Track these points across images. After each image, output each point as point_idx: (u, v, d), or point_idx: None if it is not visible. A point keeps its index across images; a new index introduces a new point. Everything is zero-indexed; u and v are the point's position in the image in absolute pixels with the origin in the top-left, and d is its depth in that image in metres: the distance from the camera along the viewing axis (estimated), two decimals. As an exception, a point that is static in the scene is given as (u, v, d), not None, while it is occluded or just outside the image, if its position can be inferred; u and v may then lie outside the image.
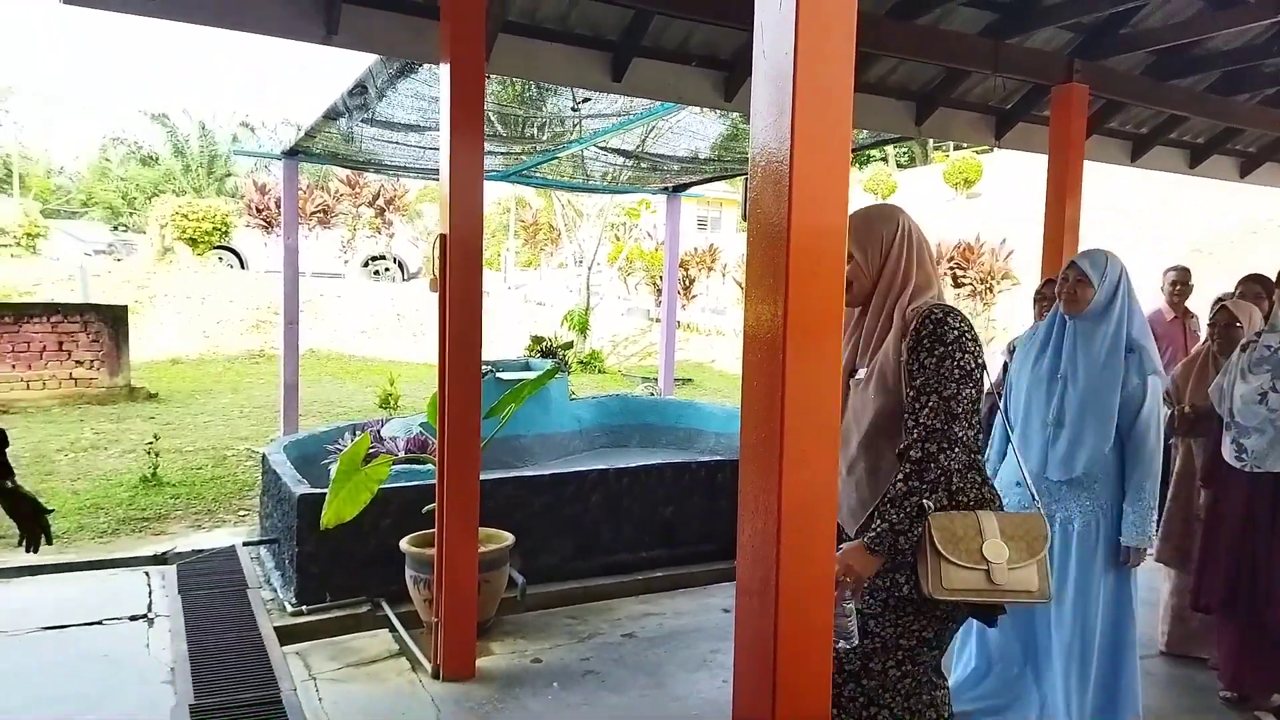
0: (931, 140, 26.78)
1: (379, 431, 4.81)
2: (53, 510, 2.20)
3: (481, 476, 3.45)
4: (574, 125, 5.58)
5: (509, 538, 4.04)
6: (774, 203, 1.51)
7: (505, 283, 24.02)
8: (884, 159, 33.24)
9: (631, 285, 21.23)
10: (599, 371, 14.23)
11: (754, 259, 1.56)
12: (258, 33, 3.61)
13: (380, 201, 21.24)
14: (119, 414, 8.99)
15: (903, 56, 4.65)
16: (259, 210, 19.43)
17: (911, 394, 1.89)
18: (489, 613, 3.93)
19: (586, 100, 4.83)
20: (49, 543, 2.15)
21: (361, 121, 5.20)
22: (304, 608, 3.98)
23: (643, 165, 7.06)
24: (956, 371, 1.86)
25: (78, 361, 9.56)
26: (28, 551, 2.12)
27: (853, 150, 6.73)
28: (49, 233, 19.78)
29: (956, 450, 1.86)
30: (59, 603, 4.11)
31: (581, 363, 14.24)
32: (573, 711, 3.28)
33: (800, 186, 1.48)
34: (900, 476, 1.87)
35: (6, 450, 2.09)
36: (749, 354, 1.58)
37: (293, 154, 6.69)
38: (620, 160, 6.98)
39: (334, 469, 3.74)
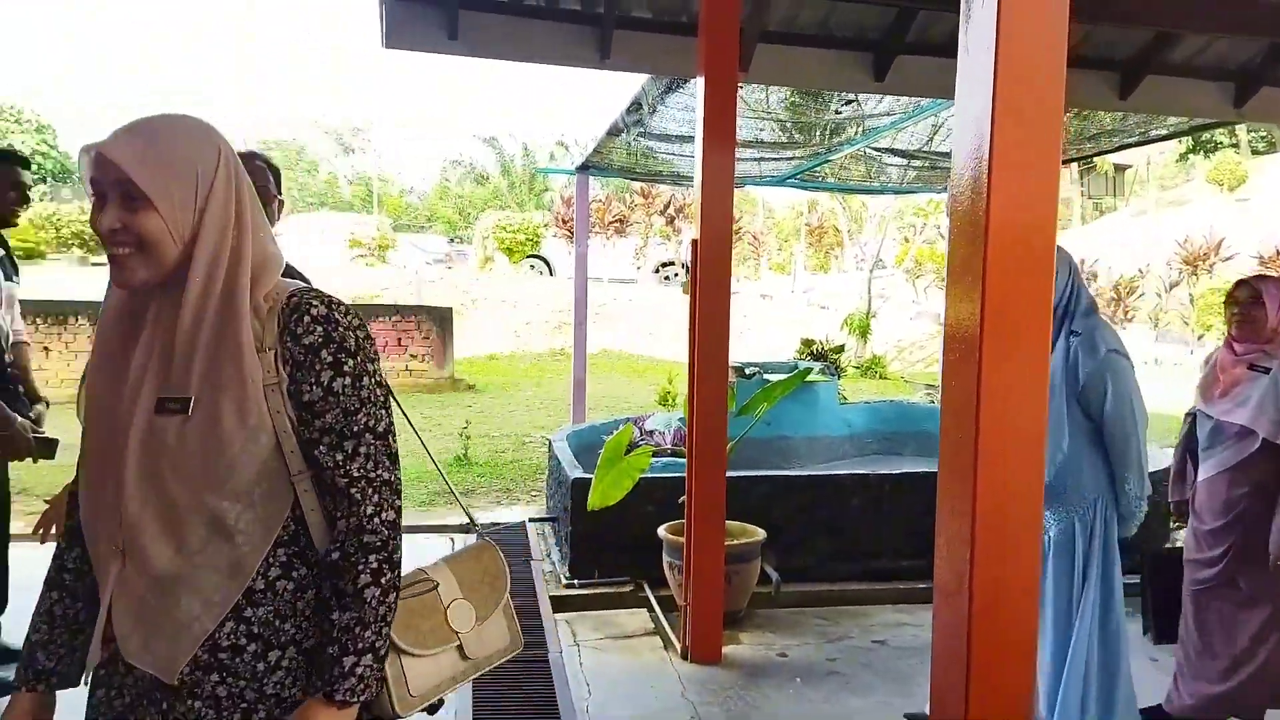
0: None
1: (643, 424, 5.13)
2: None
3: (738, 473, 3.60)
4: (856, 124, 5.57)
5: (760, 533, 4.15)
6: (972, 197, 1.50)
7: (792, 286, 24.11)
8: (1235, 145, 28.96)
9: (921, 288, 20.38)
10: (880, 377, 13.87)
11: (954, 256, 1.56)
12: (544, 62, 4.04)
13: (671, 210, 22.24)
14: (443, 401, 10.30)
15: (1216, 34, 4.14)
16: (564, 222, 21.18)
17: (314, 434, 1.21)
18: (740, 604, 4.07)
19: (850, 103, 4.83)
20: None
21: (638, 135, 5.57)
22: (575, 581, 4.37)
23: (923, 164, 6.85)
24: (379, 392, 1.26)
25: (412, 355, 11.10)
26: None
27: (1158, 139, 6.05)
28: (397, 245, 22.96)
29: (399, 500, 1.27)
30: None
31: (861, 368, 13.96)
32: (812, 708, 3.32)
33: (1000, 180, 1.46)
34: (368, 580, 1.20)
35: None
36: (948, 353, 1.58)
37: (584, 169, 7.30)
38: (902, 160, 6.83)
39: (600, 455, 4.08)
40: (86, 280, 14.26)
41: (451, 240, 31.07)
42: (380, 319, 11.04)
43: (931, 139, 6.10)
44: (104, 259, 1.21)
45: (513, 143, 33.05)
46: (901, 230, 22.30)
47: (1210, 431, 3.02)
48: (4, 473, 3.25)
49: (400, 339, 11.06)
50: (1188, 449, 3.19)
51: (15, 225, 3.24)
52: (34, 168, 22.65)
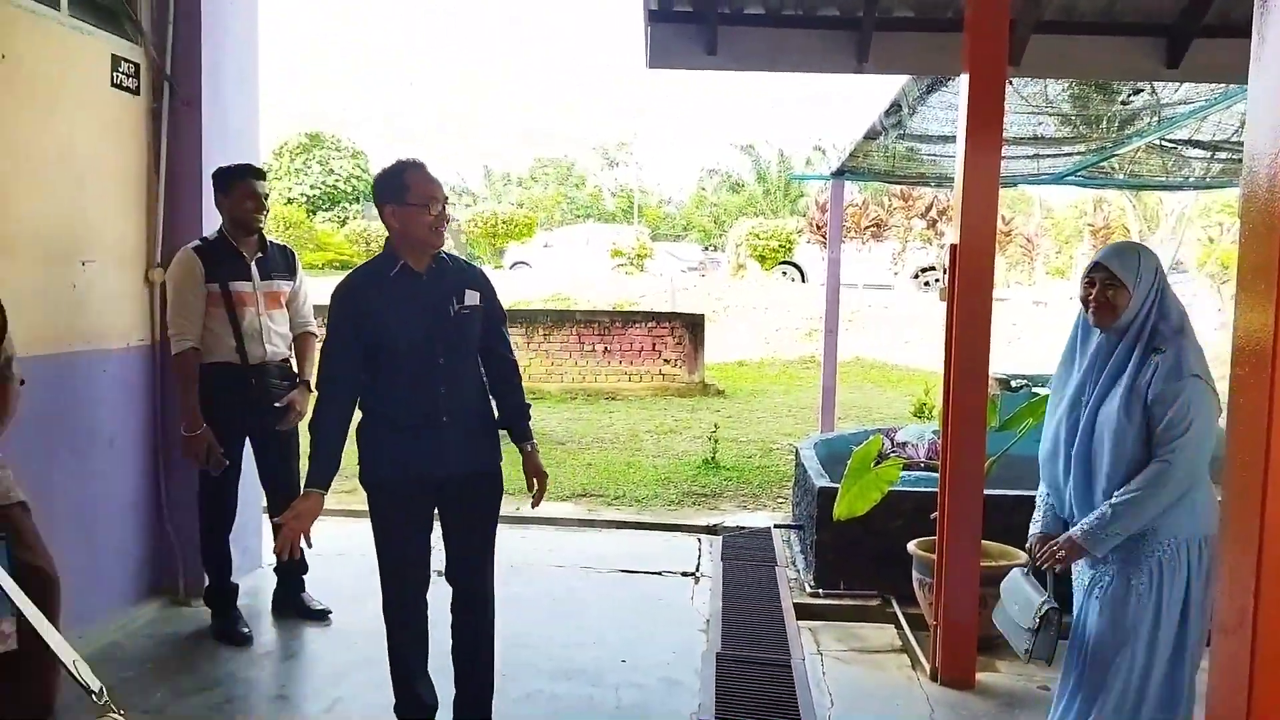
0: None
1: (894, 435, 4.98)
2: None
3: (999, 492, 3.41)
4: (1150, 114, 5.08)
5: (1021, 556, 3.89)
6: (1269, 193, 1.35)
7: (1071, 292, 22.16)
8: None
9: (1226, 295, 17.96)
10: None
11: (1245, 259, 1.41)
12: (800, 70, 4.07)
13: (933, 213, 21.26)
14: (693, 405, 10.57)
15: None
16: (818, 227, 20.92)
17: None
18: (997, 629, 3.83)
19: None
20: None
21: (897, 138, 5.43)
22: (820, 590, 4.34)
23: (1229, 156, 6.08)
24: None
25: (665, 360, 11.49)
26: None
27: None
28: (654, 254, 23.82)
29: None
30: (633, 552, 5.09)
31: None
32: (1076, 748, 3.07)
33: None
34: None
35: None
36: (1236, 368, 1.43)
37: (839, 174, 7.21)
38: (1205, 152, 6.11)
39: (848, 465, 4.03)
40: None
41: (706, 248, 31.71)
42: (637, 325, 11.55)
43: (1241, 128, 5.41)
44: None
45: (769, 149, 33.20)
46: (1206, 229, 19.81)
47: None
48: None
49: (654, 344, 11.49)
50: None
51: (260, 230, 3.66)
52: (349, 190, 25.81)
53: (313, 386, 3.74)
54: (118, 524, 3.75)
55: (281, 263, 3.76)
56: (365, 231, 22.12)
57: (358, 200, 30.11)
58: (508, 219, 26.67)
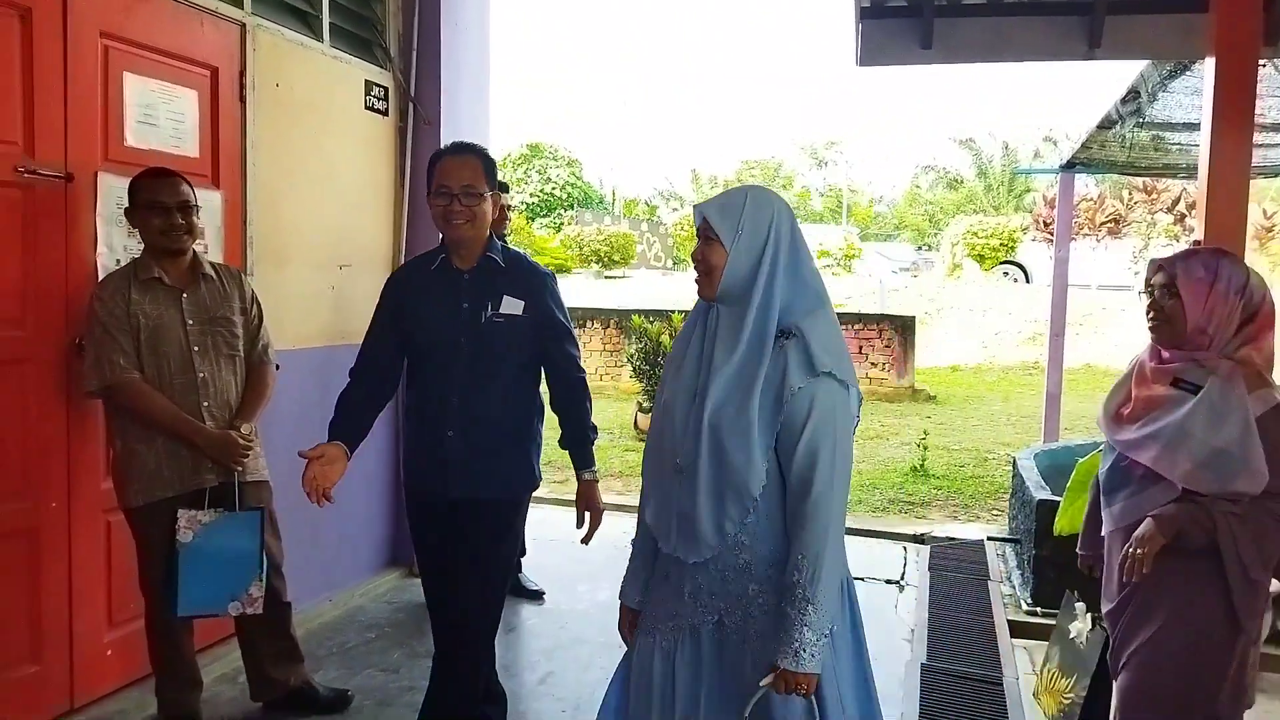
0: None
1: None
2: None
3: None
4: None
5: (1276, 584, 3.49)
6: None
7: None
8: None
9: None
10: None
11: None
12: (1023, 60, 3.87)
13: (1181, 206, 19.27)
14: (901, 411, 10.23)
15: None
16: (1046, 224, 19.53)
17: None
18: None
19: None
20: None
21: (1135, 126, 5.01)
22: (1037, 609, 4.10)
23: None
24: None
25: (873, 364, 11.19)
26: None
27: None
28: (863, 254, 23.22)
29: None
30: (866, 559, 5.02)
31: None
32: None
33: None
34: None
35: None
36: None
37: (1070, 166, 6.73)
38: None
39: (1071, 477, 3.78)
40: (601, 290, 16.79)
41: (919, 248, 30.47)
42: (843, 326, 11.34)
43: None
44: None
45: (992, 143, 31.41)
46: None
47: (1112, 468, 2.21)
48: None
49: (861, 347, 11.22)
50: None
51: (505, 239, 3.86)
52: (564, 197, 27.13)
53: None
54: (362, 501, 4.19)
55: None
56: (579, 236, 23.10)
57: (571, 206, 31.49)
58: (715, 221, 26.86)
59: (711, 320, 1.78)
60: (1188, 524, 2.00)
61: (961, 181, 33.77)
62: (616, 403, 11.09)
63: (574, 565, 4.48)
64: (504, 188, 4.04)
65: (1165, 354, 2.15)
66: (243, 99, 3.40)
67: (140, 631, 2.80)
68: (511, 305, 2.38)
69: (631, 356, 9.22)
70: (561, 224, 28.86)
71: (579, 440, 2.54)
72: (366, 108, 4.16)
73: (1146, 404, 2.13)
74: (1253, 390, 1.99)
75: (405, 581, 4.28)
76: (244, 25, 3.39)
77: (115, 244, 2.91)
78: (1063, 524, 3.73)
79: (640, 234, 26.10)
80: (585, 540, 2.56)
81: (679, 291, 15.93)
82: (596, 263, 22.16)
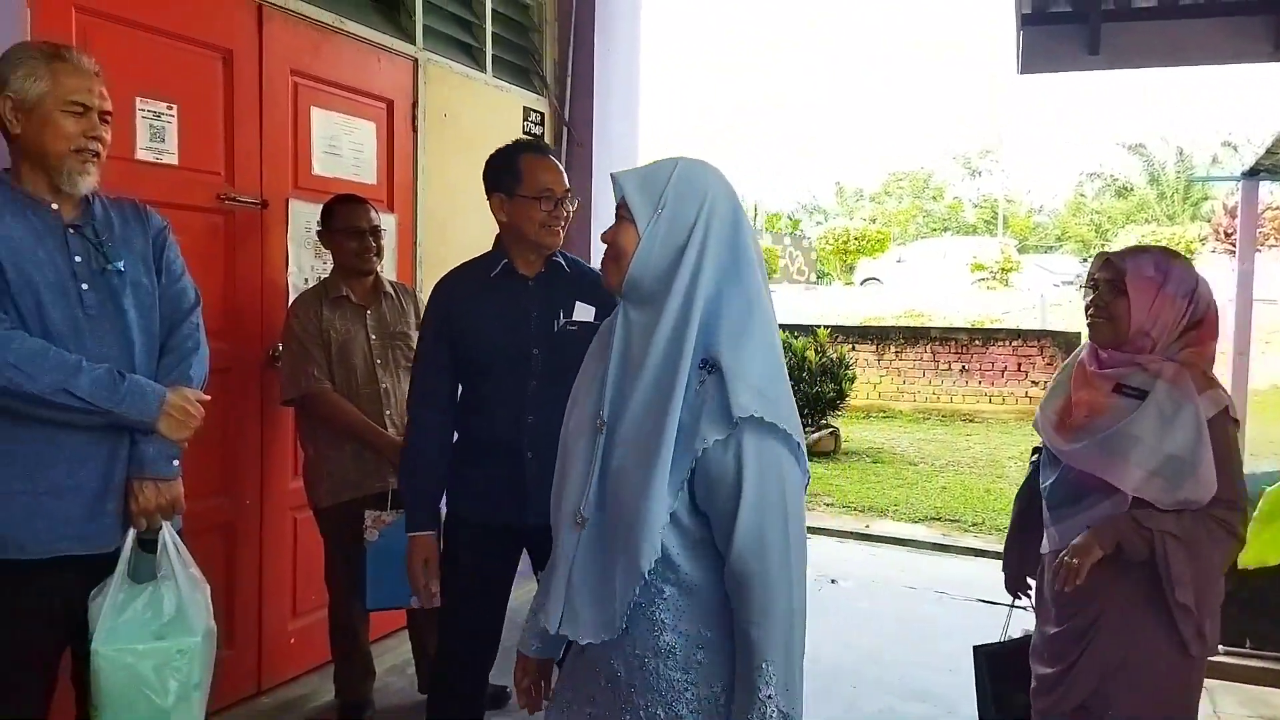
0: None
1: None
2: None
3: None
4: None
5: None
6: None
7: None
8: None
9: None
10: None
11: None
12: (1200, 64, 3.64)
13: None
14: (1063, 433, 9.67)
15: None
16: (1227, 235, 18.04)
17: None
18: None
19: None
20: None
21: (1336, 127, 4.58)
22: (1219, 648, 3.80)
23: None
24: None
25: (1033, 382, 10.65)
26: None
27: None
28: (1021, 267, 22.12)
29: None
30: (991, 582, 4.81)
31: None
32: None
33: None
34: None
35: None
36: None
37: (1253, 174, 6.22)
38: None
39: (1259, 507, 3.49)
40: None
41: (1084, 260, 28.78)
42: (999, 343, 10.85)
43: None
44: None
45: (1165, 148, 29.32)
46: None
47: (1059, 481, 2.03)
48: None
49: (1020, 364, 10.71)
50: (1031, 499, 2.23)
51: None
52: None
53: None
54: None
55: None
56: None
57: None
58: (859, 234, 26.37)
59: (620, 328, 1.40)
60: (1128, 534, 1.87)
61: (1131, 189, 31.65)
62: (759, 418, 11.05)
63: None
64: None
65: (1104, 355, 2.02)
66: (414, 128, 3.64)
67: (321, 622, 3.03)
68: (583, 311, 2.20)
69: (775, 372, 9.15)
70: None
71: None
72: (524, 132, 4.35)
73: (1089, 410, 1.99)
74: (1202, 391, 1.87)
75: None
76: (416, 60, 3.64)
77: (303, 264, 3.18)
78: (1249, 557, 3.45)
79: (783, 248, 25.88)
80: None
81: (823, 306, 15.69)
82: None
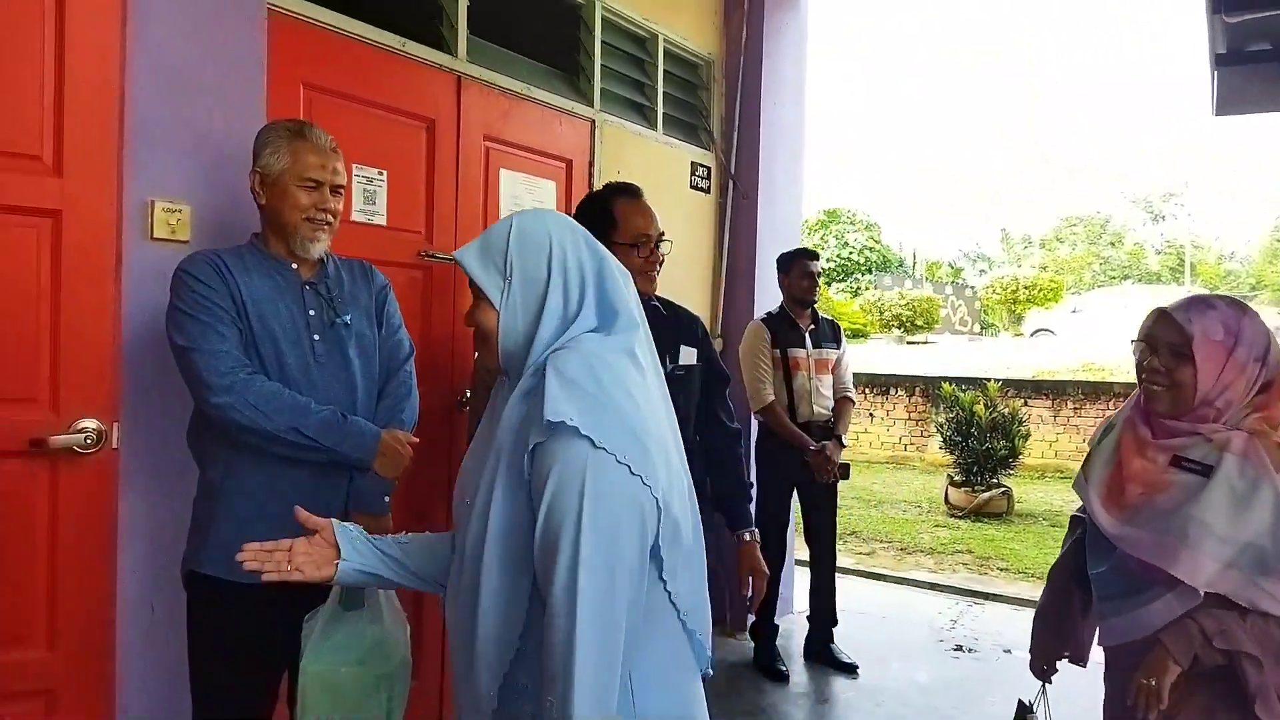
0: None
1: None
2: None
3: None
4: None
5: None
6: None
7: None
8: None
9: None
10: None
11: None
12: None
13: None
14: None
15: None
16: None
17: None
18: None
19: None
20: None
21: None
22: None
23: None
24: None
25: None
26: None
27: None
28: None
29: None
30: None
31: None
32: None
33: None
34: None
35: None
36: None
37: None
38: None
39: None
40: (904, 356, 16.29)
41: (1285, 310, 26.23)
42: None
43: None
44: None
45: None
46: None
47: (1113, 569, 1.73)
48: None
49: (1217, 422, 9.85)
50: (1075, 574, 1.90)
51: (813, 304, 4.14)
52: (862, 261, 26.80)
53: (844, 441, 4.05)
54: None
55: (830, 334, 4.22)
56: (879, 301, 22.63)
57: (869, 270, 31.01)
58: (1029, 284, 25.15)
59: (500, 398, 1.33)
60: (1205, 647, 1.61)
61: (1338, 233, 28.81)
62: (922, 475, 10.64)
63: (887, 640, 4.34)
64: (812, 255, 4.18)
65: (1157, 424, 1.76)
66: (590, 185, 3.81)
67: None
68: (688, 355, 2.20)
69: (941, 426, 8.82)
70: (859, 288, 28.51)
71: (741, 494, 2.33)
72: (691, 186, 4.47)
73: (1145, 485, 1.72)
74: (1278, 465, 1.60)
75: (718, 640, 4.37)
76: (593, 121, 3.82)
77: (488, 315, 3.37)
78: None
79: (944, 297, 25.04)
80: (752, 608, 2.33)
81: (989, 358, 15.02)
82: (898, 327, 21.54)
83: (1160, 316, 1.76)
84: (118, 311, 2.10)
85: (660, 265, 2.16)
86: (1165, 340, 1.73)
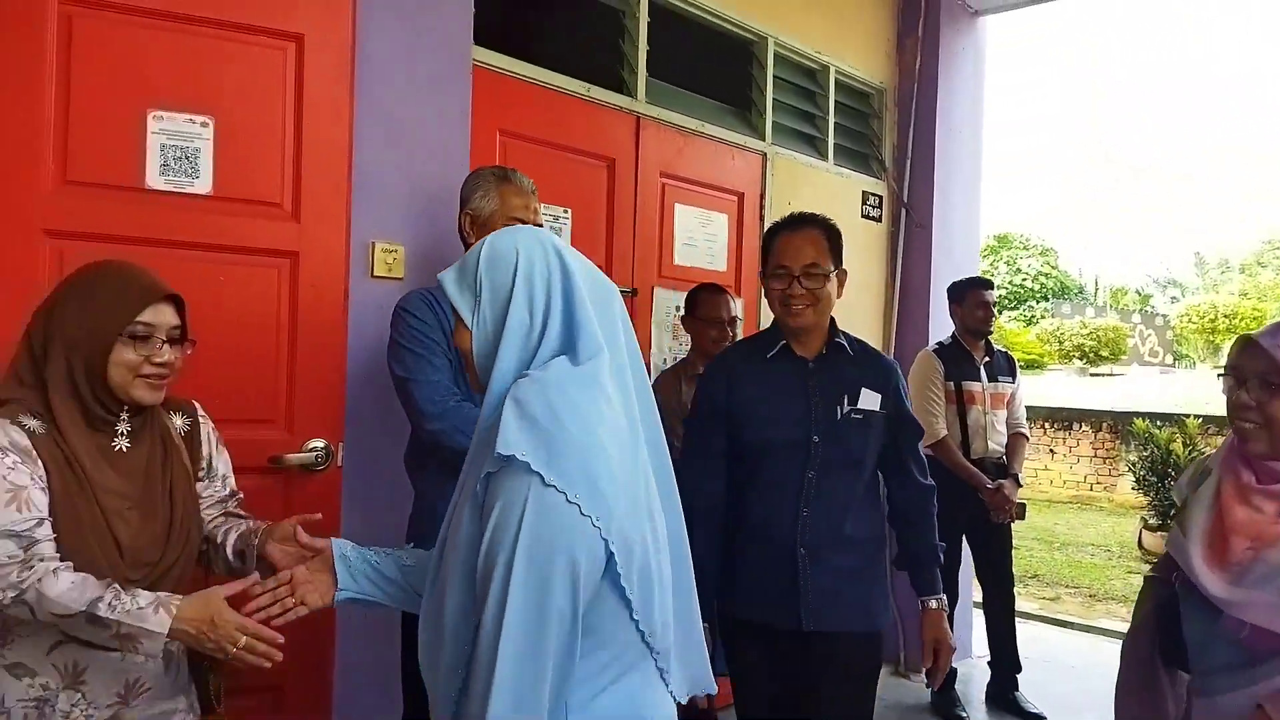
0: None
1: None
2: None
3: None
4: None
5: None
6: None
7: None
8: None
9: None
10: None
11: None
12: None
13: None
14: None
15: None
16: None
17: None
18: None
19: None
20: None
21: None
22: None
23: None
24: None
25: None
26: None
27: None
28: None
29: None
30: None
31: None
32: None
33: None
34: None
35: None
36: None
37: None
38: None
39: None
40: (1087, 389, 15.29)
41: None
42: None
43: None
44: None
45: None
46: None
47: (1218, 637, 1.48)
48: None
49: None
50: (1164, 644, 1.62)
51: (988, 335, 3.97)
52: (1036, 288, 25.25)
53: (1020, 480, 3.86)
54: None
55: (1005, 366, 4.04)
56: (1057, 330, 21.36)
57: (1045, 298, 29.34)
58: (1228, 312, 23.04)
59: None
60: None
61: None
62: (1111, 516, 9.92)
63: (1076, 691, 4.08)
64: (987, 284, 4.01)
65: (1260, 469, 1.53)
66: (762, 218, 3.86)
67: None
68: (870, 399, 2.05)
69: (1133, 465, 8.22)
70: (1034, 316, 27.02)
71: (927, 559, 2.16)
72: (862, 216, 4.43)
73: (1253, 538, 1.49)
74: None
75: (893, 680, 4.24)
76: (765, 154, 3.88)
77: (663, 345, 3.47)
78: None
79: (1132, 326, 23.33)
80: (931, 682, 2.18)
81: (1183, 392, 13.86)
82: (1079, 358, 20.22)
83: (1246, 344, 1.56)
84: (344, 342, 2.32)
85: (805, 302, 2.04)
86: (1254, 371, 1.53)
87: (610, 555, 1.09)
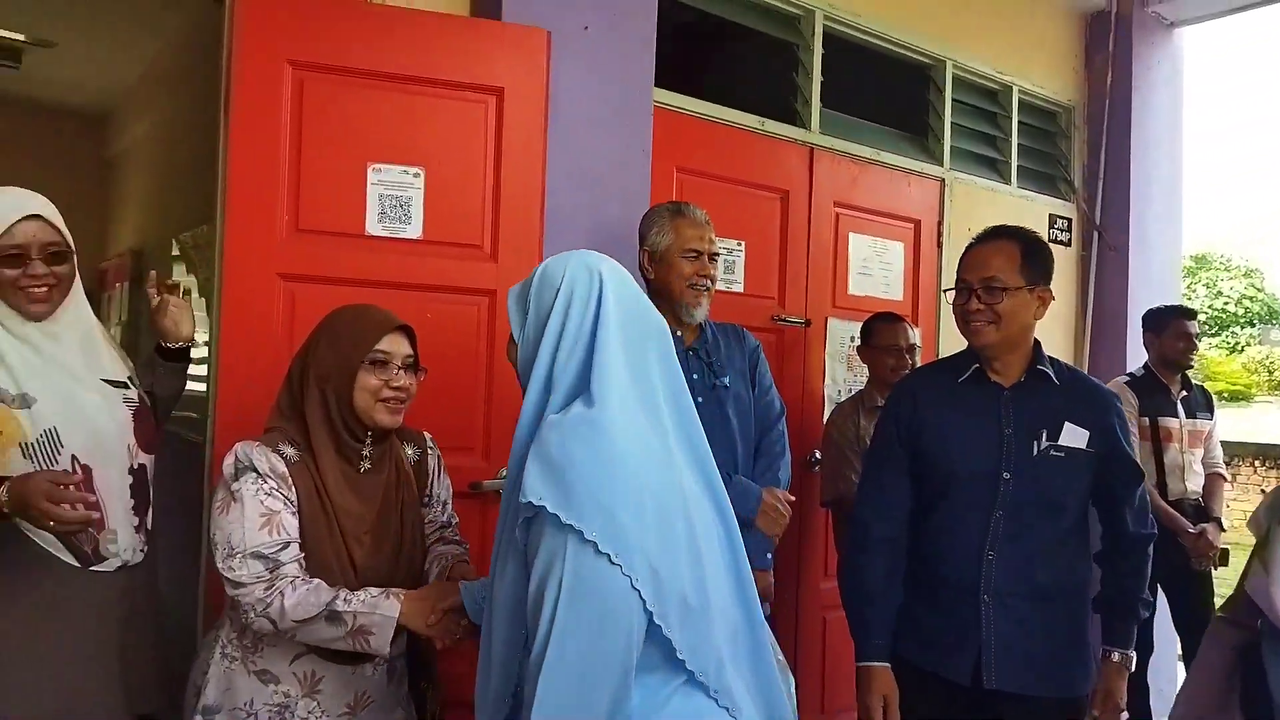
0: None
1: None
2: None
3: None
4: None
5: None
6: None
7: None
8: None
9: None
10: None
11: None
12: None
13: None
14: None
15: None
16: None
17: None
18: None
19: None
20: None
21: None
22: None
23: None
24: None
25: None
26: None
27: None
28: None
29: None
30: None
31: None
32: None
33: None
34: None
35: None
36: None
37: None
38: None
39: None
40: (1302, 423, 13.77)
41: None
42: None
43: None
44: None
45: None
46: None
47: None
48: None
49: None
50: (1245, 696, 1.47)
51: (1190, 368, 3.70)
52: (1241, 312, 23.14)
53: (1223, 525, 3.54)
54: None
55: (1203, 401, 3.78)
56: (1267, 359, 19.42)
57: (1251, 324, 26.82)
58: None
59: None
60: None
61: None
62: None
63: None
64: (1190, 314, 3.74)
65: None
66: (939, 244, 3.75)
67: (849, 723, 3.11)
68: (1074, 435, 1.84)
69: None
70: (1238, 344, 24.70)
71: (1124, 610, 1.91)
72: (1049, 240, 4.22)
73: None
74: None
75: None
76: (943, 180, 3.77)
77: (837, 376, 3.42)
78: None
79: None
80: None
81: None
82: (1293, 390, 18.31)
83: None
84: (535, 375, 2.44)
85: (984, 319, 1.86)
86: None
87: (642, 604, 1.09)
